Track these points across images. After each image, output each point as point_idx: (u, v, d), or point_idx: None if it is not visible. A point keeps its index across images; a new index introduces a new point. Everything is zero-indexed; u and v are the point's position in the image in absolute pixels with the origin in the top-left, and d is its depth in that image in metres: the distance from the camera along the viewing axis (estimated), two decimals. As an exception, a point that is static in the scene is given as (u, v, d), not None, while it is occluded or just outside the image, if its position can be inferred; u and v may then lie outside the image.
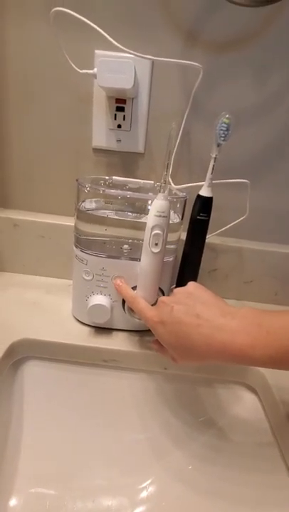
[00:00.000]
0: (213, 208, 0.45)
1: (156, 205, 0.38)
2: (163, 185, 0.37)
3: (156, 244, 0.39)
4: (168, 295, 0.46)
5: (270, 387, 0.42)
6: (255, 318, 0.31)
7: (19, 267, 0.58)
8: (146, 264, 0.40)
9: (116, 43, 0.39)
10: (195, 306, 0.33)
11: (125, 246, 0.43)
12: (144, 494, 0.40)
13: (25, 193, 0.56)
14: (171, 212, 0.40)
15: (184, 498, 0.39)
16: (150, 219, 0.38)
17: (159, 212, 0.38)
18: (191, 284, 0.37)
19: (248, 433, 0.43)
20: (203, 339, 0.31)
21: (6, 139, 0.53)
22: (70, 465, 0.41)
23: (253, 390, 0.46)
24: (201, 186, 0.45)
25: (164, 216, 0.38)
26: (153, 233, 0.38)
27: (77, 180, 0.43)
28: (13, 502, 0.38)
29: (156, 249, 0.39)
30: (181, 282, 0.49)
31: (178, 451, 0.43)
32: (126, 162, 0.54)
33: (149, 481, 0.40)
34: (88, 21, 0.39)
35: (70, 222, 0.54)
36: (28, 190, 0.56)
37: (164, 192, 0.38)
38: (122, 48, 0.40)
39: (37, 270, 0.58)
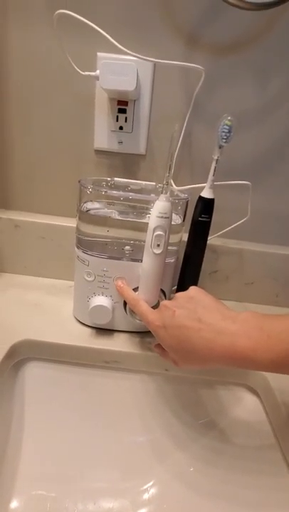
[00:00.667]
0: (214, 209, 0.46)
1: (158, 206, 0.38)
2: (165, 186, 0.37)
3: (158, 245, 0.39)
4: (169, 298, 0.46)
5: (272, 389, 0.42)
6: (256, 322, 0.31)
7: (20, 268, 0.58)
8: (148, 265, 0.40)
9: (119, 46, 0.40)
10: (196, 310, 0.34)
11: (127, 247, 0.43)
12: (145, 496, 0.39)
13: (26, 194, 0.57)
14: (173, 214, 0.40)
15: (185, 500, 0.39)
16: (152, 220, 0.38)
17: (161, 213, 0.38)
18: (192, 289, 0.37)
19: (250, 435, 0.43)
20: (204, 343, 0.31)
21: (8, 140, 0.53)
22: (71, 467, 0.41)
23: (255, 392, 0.46)
24: (202, 188, 0.45)
25: (166, 217, 0.38)
26: (155, 234, 0.38)
27: (79, 181, 0.43)
28: (13, 504, 0.38)
29: (158, 251, 0.39)
30: (182, 283, 0.49)
31: (179, 453, 0.43)
32: (127, 164, 0.54)
33: (150, 483, 0.40)
34: (92, 24, 0.39)
35: (71, 223, 0.54)
36: (29, 191, 0.56)
37: (166, 193, 0.38)
38: (125, 50, 0.40)
39: (38, 271, 0.58)
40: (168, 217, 0.38)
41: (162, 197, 0.38)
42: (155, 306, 0.43)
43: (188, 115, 0.50)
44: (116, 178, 0.50)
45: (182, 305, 0.35)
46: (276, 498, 0.38)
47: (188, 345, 0.32)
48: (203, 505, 0.38)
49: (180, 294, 0.37)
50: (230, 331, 0.31)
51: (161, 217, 0.38)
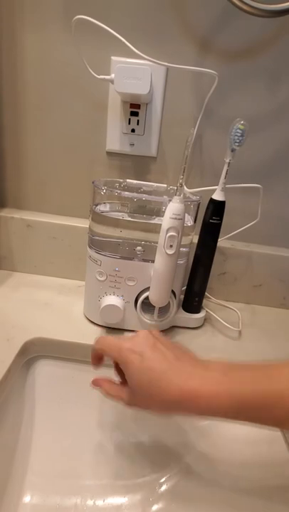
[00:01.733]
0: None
1: (172, 207, 0.38)
2: (179, 188, 0.38)
3: (171, 246, 0.39)
4: (179, 298, 0.45)
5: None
6: (222, 369, 0.32)
7: (31, 268, 0.59)
8: (160, 265, 0.41)
9: (136, 50, 0.40)
10: (173, 351, 0.34)
11: (138, 248, 0.44)
12: (156, 494, 0.40)
13: (38, 195, 0.57)
14: (185, 215, 0.41)
15: (197, 497, 0.39)
16: (166, 221, 0.39)
17: (175, 214, 0.38)
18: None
19: (261, 434, 0.44)
20: (178, 383, 0.31)
21: (22, 142, 0.54)
22: (80, 464, 0.42)
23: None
24: (213, 190, 0.46)
25: (179, 219, 0.39)
26: (168, 235, 0.39)
27: (93, 182, 0.44)
28: (23, 500, 0.38)
29: (170, 251, 0.40)
30: (192, 285, 0.50)
31: (191, 452, 0.43)
32: (138, 166, 0.55)
33: (161, 481, 0.41)
34: (109, 29, 0.40)
35: (82, 223, 0.55)
36: (41, 191, 0.57)
37: (179, 195, 0.38)
38: (140, 54, 0.40)
39: (48, 271, 0.59)
40: (181, 219, 0.39)
41: (176, 198, 0.38)
42: (164, 308, 0.43)
43: (199, 119, 0.50)
44: (128, 180, 0.50)
45: (160, 340, 0.35)
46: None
47: (160, 382, 0.32)
48: (214, 502, 0.39)
49: (148, 331, 0.36)
50: (200, 376, 0.32)
51: (175, 218, 0.38)
